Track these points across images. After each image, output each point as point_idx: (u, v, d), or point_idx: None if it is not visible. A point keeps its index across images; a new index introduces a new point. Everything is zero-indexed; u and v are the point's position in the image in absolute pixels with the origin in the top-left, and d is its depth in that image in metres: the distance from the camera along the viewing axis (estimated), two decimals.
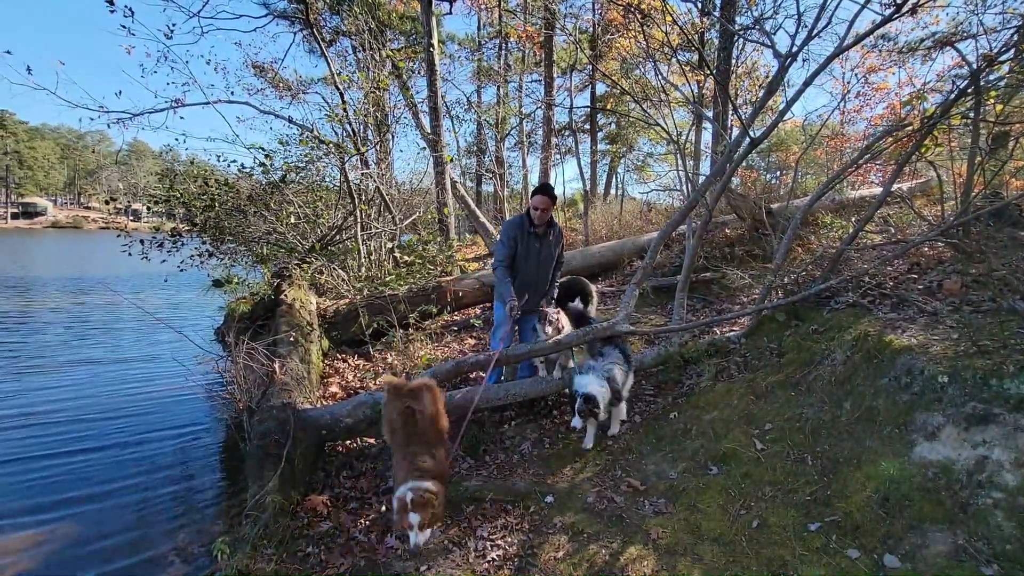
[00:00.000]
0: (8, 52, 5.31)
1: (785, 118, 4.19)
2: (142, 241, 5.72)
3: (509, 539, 2.80)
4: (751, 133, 3.99)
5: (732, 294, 6.03)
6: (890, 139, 4.39)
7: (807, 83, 3.87)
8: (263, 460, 2.94)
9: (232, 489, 3.71)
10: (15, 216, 65.14)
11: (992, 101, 4.06)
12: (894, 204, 6.26)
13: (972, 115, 3.94)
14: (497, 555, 2.67)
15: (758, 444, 3.12)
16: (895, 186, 6.05)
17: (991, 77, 4.02)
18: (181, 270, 5.99)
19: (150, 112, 6.36)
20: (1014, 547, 2.08)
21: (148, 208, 6.22)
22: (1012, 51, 3.83)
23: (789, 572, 2.29)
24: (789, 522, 2.56)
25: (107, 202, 5.85)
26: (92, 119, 5.77)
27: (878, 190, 7.88)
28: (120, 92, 6.39)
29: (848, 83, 11.54)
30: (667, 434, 3.62)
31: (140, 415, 4.94)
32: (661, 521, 2.80)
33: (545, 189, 3.88)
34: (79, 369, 6.23)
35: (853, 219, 5.14)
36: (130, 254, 5.82)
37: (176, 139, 6.75)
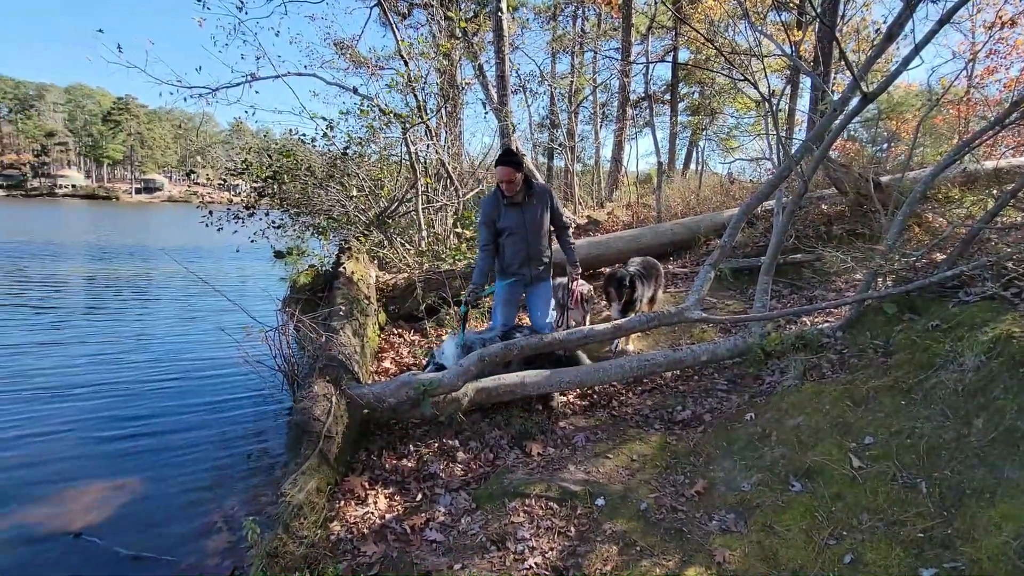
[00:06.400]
0: (100, 31, 5.60)
1: (902, 75, 3.45)
2: (211, 212, 5.96)
3: (552, 543, 2.54)
4: (864, 87, 3.31)
5: (828, 279, 5.29)
6: None
7: (943, 21, 3.13)
8: (301, 437, 2.87)
9: (289, 457, 3.72)
10: (138, 191, 73.57)
11: None
12: None
13: None
14: (536, 561, 2.41)
15: (855, 460, 2.61)
16: None
17: None
18: (252, 241, 6.19)
19: (227, 87, 6.54)
20: None
21: (224, 181, 6.47)
22: None
23: None
24: (894, 563, 2.08)
25: (188, 175, 6.18)
26: (172, 93, 5.98)
27: (1014, 161, 6.59)
28: (200, 68, 6.63)
29: (976, 43, 9.75)
30: (741, 438, 3.17)
31: (215, 377, 5.13)
32: (728, 541, 2.41)
33: (504, 159, 3.53)
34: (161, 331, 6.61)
35: (994, 192, 4.23)
36: (207, 225, 6.09)
37: (244, 112, 6.92)
